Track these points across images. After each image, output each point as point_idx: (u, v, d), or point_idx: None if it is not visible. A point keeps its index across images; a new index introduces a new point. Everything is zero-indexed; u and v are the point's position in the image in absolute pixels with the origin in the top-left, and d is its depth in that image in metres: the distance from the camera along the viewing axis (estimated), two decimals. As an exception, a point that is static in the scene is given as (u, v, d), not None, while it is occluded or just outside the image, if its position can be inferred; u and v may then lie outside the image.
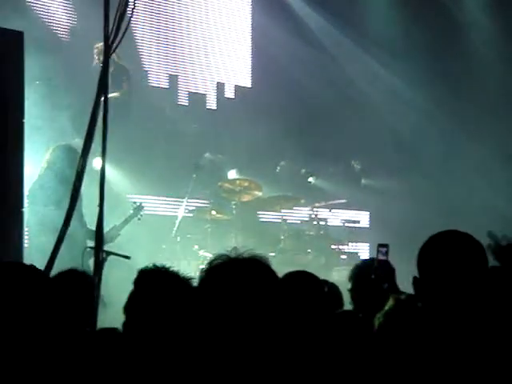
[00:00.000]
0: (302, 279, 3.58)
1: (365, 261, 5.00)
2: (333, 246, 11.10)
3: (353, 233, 11.80)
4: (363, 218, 12.65)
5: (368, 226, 12.67)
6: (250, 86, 12.64)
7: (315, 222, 11.13)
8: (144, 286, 3.11)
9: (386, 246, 4.47)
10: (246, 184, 10.53)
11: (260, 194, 10.69)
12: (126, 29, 4.29)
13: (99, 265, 4.18)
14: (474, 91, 12.05)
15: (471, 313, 2.52)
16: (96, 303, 3.95)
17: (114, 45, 4.31)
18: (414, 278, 2.62)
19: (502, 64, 11.90)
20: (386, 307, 3.48)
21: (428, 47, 12.13)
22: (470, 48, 12.17)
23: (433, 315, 2.54)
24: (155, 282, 3.11)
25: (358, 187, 12.38)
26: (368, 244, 12.37)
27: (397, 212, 11.78)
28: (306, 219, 11.35)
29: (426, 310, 2.56)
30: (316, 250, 10.69)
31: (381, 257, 4.55)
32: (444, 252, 2.56)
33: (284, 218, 11.09)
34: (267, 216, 11.59)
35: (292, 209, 11.46)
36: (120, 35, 4.27)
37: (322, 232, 11.07)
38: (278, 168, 11.90)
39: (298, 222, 11.56)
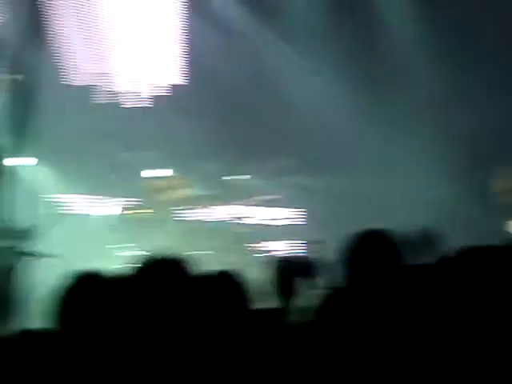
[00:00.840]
0: (226, 278, 3.51)
1: (287, 257, 5.02)
2: (257, 244, 11.12)
3: (279, 230, 11.81)
4: (298, 216, 12.64)
5: (304, 223, 12.67)
6: (178, 83, 12.52)
7: (240, 220, 11.13)
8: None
9: (313, 242, 4.51)
10: (175, 182, 10.49)
11: (188, 191, 10.65)
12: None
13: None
14: (397, 94, 12.16)
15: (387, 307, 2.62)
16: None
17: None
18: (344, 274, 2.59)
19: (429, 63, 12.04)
20: (302, 303, 3.50)
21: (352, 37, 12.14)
22: (391, 47, 12.29)
23: (356, 312, 2.58)
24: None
25: (289, 185, 12.38)
26: (294, 242, 12.38)
27: (331, 210, 11.80)
28: (232, 217, 11.31)
29: (351, 305, 2.59)
30: (240, 249, 10.70)
31: (306, 253, 4.59)
32: (372, 251, 2.73)
33: (210, 215, 11.05)
34: (193, 214, 11.52)
35: (218, 207, 11.41)
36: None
37: (246, 230, 11.07)
38: (206, 165, 11.84)
39: (224, 219, 11.48)
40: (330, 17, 12.02)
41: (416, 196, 11.60)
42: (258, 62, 12.26)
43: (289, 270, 4.62)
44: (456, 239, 4.27)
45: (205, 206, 11.03)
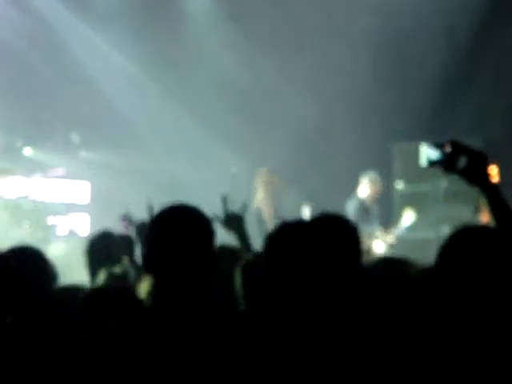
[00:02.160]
0: (24, 254, 3.49)
1: (98, 235, 4.98)
2: (50, 219, 10.94)
3: (71, 206, 11.69)
4: (83, 189, 12.54)
5: (88, 199, 12.59)
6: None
7: (32, 195, 10.89)
8: None
9: (128, 218, 4.48)
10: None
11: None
12: None
13: None
14: (190, 69, 12.33)
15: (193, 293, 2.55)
16: None
17: None
18: (145, 253, 2.60)
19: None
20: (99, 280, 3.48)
21: (149, 22, 12.18)
22: (191, 27, 12.42)
23: (163, 290, 2.56)
24: None
25: (77, 159, 12.24)
26: (88, 216, 12.32)
27: (117, 186, 11.84)
28: (23, 192, 11.04)
29: (157, 285, 2.57)
30: (33, 224, 10.48)
31: (123, 230, 4.58)
32: (172, 225, 2.57)
33: (-1, 190, 10.73)
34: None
35: (6, 179, 11.07)
36: None
37: (39, 205, 10.85)
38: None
39: (14, 195, 11.18)
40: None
41: (203, 175, 11.90)
42: (56, 40, 12.03)
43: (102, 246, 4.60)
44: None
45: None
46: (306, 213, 9.62)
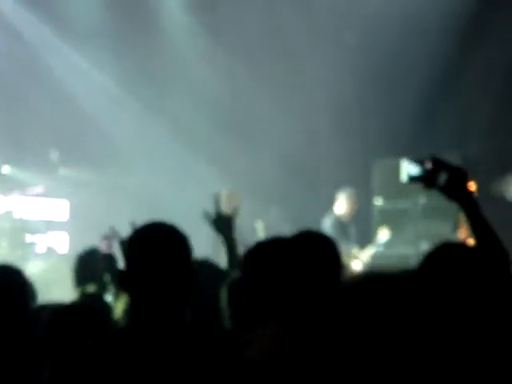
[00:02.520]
0: (3, 272, 3.47)
1: (85, 252, 4.97)
2: (28, 238, 10.87)
3: (50, 224, 11.62)
4: (62, 207, 12.48)
5: (67, 216, 12.53)
6: None
7: (10, 214, 10.82)
8: None
9: (110, 237, 4.47)
10: None
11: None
12: None
13: None
14: (169, 85, 12.33)
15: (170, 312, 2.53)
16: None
17: None
18: (120, 271, 2.60)
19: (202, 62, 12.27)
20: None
21: (124, 36, 12.15)
22: (167, 40, 12.42)
23: (138, 309, 2.54)
24: None
25: (55, 177, 12.18)
26: (67, 234, 12.25)
27: (96, 203, 11.80)
28: (0, 210, 10.97)
29: (133, 304, 2.55)
30: (11, 242, 10.42)
31: (105, 249, 4.57)
32: (149, 243, 2.55)
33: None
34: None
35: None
36: None
37: (17, 224, 10.79)
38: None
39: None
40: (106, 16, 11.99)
41: (184, 192, 11.88)
42: (35, 58, 12.01)
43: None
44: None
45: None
46: (260, 228, 9.69)
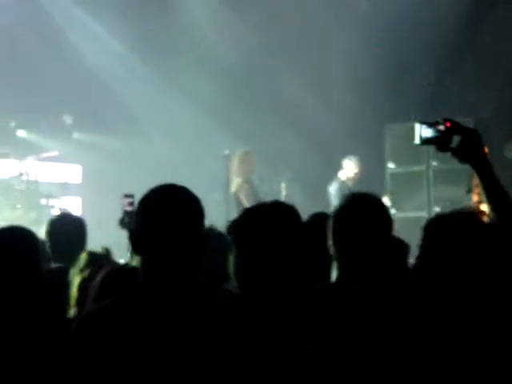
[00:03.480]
0: (16, 234, 3.49)
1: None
2: (43, 201, 10.95)
3: (64, 187, 11.69)
4: (75, 172, 12.54)
5: (80, 180, 12.60)
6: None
7: (25, 177, 10.90)
8: None
9: (131, 196, 4.43)
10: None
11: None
12: None
13: None
14: (184, 51, 12.31)
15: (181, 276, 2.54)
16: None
17: None
18: (131, 231, 2.57)
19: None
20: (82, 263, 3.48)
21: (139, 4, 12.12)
22: (182, 9, 12.36)
23: (149, 270, 2.55)
24: None
25: (69, 141, 12.24)
26: (80, 198, 12.32)
27: (109, 168, 11.85)
28: (16, 173, 11.03)
29: (144, 265, 2.55)
30: (26, 205, 10.49)
31: (126, 207, 4.55)
32: (161, 205, 2.53)
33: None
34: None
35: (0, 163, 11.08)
36: None
37: (31, 187, 10.86)
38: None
39: (7, 176, 11.17)
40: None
41: (197, 158, 11.91)
42: (45, 18, 11.99)
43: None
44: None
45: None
46: (283, 187, 9.87)
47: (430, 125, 3.01)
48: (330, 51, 11.49)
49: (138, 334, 2.42)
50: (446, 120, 2.98)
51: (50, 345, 2.98)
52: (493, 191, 2.87)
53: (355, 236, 3.05)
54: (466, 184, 8.26)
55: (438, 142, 2.99)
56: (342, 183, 10.42)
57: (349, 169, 10.54)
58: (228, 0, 12.02)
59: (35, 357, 2.98)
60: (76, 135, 12.42)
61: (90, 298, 3.05)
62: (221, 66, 12.13)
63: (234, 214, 8.81)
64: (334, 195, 10.16)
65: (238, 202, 9.30)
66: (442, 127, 2.98)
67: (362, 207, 3.13)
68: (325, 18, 11.55)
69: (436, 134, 2.99)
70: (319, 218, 3.60)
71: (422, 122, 3.03)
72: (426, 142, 3.03)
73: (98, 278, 3.06)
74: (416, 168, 11.10)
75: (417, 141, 3.05)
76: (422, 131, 3.02)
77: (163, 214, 2.51)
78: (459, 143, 2.94)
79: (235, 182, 9.43)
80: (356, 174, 10.52)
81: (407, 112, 10.42)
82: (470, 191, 8.21)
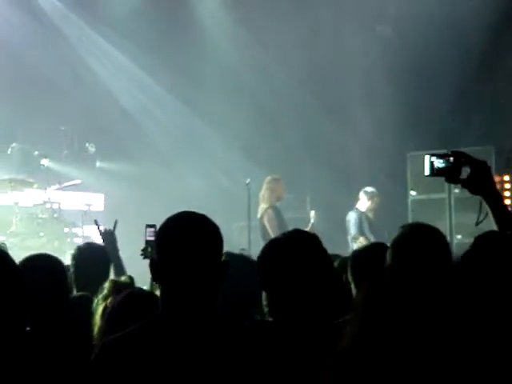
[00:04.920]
0: (42, 262, 3.53)
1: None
2: (66, 229, 11.01)
3: (86, 215, 11.74)
4: (98, 201, 12.60)
5: (102, 208, 12.65)
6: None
7: (48, 205, 10.97)
8: None
9: (153, 226, 4.47)
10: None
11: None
12: None
13: None
14: (207, 79, 12.39)
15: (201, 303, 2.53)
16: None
17: None
18: (151, 260, 2.59)
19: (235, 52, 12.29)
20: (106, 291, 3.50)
21: (162, 32, 12.24)
22: (205, 36, 12.46)
23: (169, 298, 2.55)
24: None
25: (92, 170, 12.32)
26: (102, 227, 12.32)
27: (131, 195, 11.91)
28: (39, 202, 11.12)
29: (163, 293, 2.56)
30: (49, 234, 10.56)
31: (148, 237, 4.61)
32: (180, 233, 2.53)
33: (16, 200, 10.78)
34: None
35: (24, 191, 11.17)
36: None
37: (55, 215, 10.93)
38: (10, 150, 11.53)
39: (31, 205, 11.26)
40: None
41: (217, 185, 11.94)
42: (66, 48, 12.13)
43: (144, 254, 4.65)
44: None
45: (11, 190, 10.76)
46: (312, 216, 9.90)
47: (440, 156, 3.02)
48: (353, 80, 11.53)
49: (156, 363, 2.42)
50: (454, 153, 3.00)
51: (72, 371, 3.00)
52: (503, 220, 2.88)
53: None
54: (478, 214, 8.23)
55: (448, 174, 3.00)
56: (361, 213, 10.45)
57: (363, 200, 10.58)
58: (254, 31, 12.09)
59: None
60: (99, 163, 12.49)
61: (106, 316, 3.08)
62: (245, 94, 12.19)
63: (258, 240, 8.92)
64: (352, 223, 10.27)
65: (263, 227, 9.46)
66: (451, 159, 2.99)
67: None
68: (350, 47, 11.60)
69: (446, 166, 3.00)
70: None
71: (432, 154, 3.04)
72: (436, 173, 3.04)
73: (119, 298, 3.09)
74: (438, 195, 11.09)
75: (427, 172, 3.06)
76: (432, 163, 3.03)
77: (181, 242, 2.51)
78: (469, 175, 2.95)
79: (261, 208, 9.65)
80: (371, 205, 10.54)
81: (430, 140, 10.43)
82: (478, 223, 8.17)
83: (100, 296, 3.43)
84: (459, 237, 10.36)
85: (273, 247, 3.01)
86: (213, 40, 12.38)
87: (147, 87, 12.45)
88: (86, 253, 4.87)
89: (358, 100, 11.53)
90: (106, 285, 3.50)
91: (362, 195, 10.61)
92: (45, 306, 3.30)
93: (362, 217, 10.35)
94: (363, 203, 10.58)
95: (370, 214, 10.51)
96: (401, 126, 11.33)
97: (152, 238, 4.60)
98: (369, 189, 10.60)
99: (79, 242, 10.88)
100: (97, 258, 4.78)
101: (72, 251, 5.00)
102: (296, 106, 12.14)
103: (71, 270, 4.64)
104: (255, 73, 12.10)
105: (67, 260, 5.00)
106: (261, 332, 2.66)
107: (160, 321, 2.52)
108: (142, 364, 2.42)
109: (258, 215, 9.72)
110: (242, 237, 9.86)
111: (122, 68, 12.39)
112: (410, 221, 10.79)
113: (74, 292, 4.38)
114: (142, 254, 4.71)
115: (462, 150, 3.22)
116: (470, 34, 10.87)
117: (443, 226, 10.89)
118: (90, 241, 6.61)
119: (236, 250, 4.01)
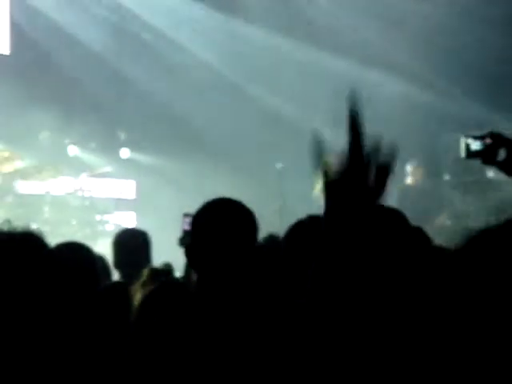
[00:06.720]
0: (73, 250, 3.51)
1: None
2: (98, 217, 11.04)
3: (118, 203, 11.78)
4: (129, 188, 12.61)
5: (134, 195, 12.65)
6: (7, 53, 12.13)
7: (80, 193, 11.01)
8: None
9: (190, 215, 4.46)
10: (6, 155, 10.23)
11: (21, 164, 10.41)
12: None
13: None
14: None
15: (240, 285, 2.52)
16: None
17: None
18: (187, 246, 2.59)
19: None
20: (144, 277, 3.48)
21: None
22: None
23: (204, 286, 2.53)
24: None
25: (121, 159, 12.34)
26: (134, 213, 12.37)
27: (161, 185, 11.87)
28: (70, 190, 11.15)
29: (199, 280, 2.54)
30: (81, 221, 10.61)
31: (186, 227, 4.60)
32: (215, 219, 2.53)
33: (47, 188, 10.84)
34: (29, 187, 11.26)
35: (55, 179, 11.22)
36: None
37: (86, 203, 10.98)
38: (40, 138, 11.58)
39: (62, 193, 11.30)
40: None
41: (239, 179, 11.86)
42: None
43: (181, 243, 4.63)
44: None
45: (41, 179, 10.83)
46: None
47: (476, 138, 2.98)
48: (386, 65, 11.41)
49: (190, 341, 2.42)
50: (491, 134, 2.94)
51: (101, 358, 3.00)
52: None
53: None
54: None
55: (484, 156, 2.96)
56: (403, 189, 10.30)
57: (409, 175, 10.48)
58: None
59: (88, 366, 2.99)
60: (130, 153, 12.49)
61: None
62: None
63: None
64: (394, 202, 10.10)
65: None
66: (488, 140, 2.94)
67: None
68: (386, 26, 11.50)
69: (482, 148, 2.96)
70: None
71: (468, 136, 3.00)
72: (471, 155, 3.00)
73: (151, 288, 3.07)
74: (471, 178, 11.00)
75: (463, 154, 3.02)
76: (468, 145, 2.99)
77: (216, 228, 2.52)
78: (506, 156, 2.90)
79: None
80: (418, 178, 10.49)
81: (466, 122, 10.32)
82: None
83: (138, 282, 3.41)
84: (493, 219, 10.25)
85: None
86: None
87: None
88: (124, 237, 4.86)
89: (390, 89, 11.43)
90: (144, 272, 3.48)
91: (406, 169, 10.48)
92: (73, 294, 3.28)
93: (401, 195, 10.11)
94: (406, 177, 10.50)
95: (412, 188, 10.43)
96: (435, 109, 11.24)
97: (189, 227, 4.58)
98: (412, 162, 10.49)
99: (111, 229, 10.93)
100: (137, 243, 4.77)
101: (104, 239, 5.00)
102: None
103: (112, 255, 4.65)
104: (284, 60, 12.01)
105: (99, 248, 5.00)
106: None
107: (195, 305, 2.51)
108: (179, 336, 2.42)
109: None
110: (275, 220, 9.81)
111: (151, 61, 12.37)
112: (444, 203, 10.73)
113: (115, 278, 4.38)
114: (179, 244, 4.69)
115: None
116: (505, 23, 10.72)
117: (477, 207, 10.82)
118: (123, 227, 6.56)
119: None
